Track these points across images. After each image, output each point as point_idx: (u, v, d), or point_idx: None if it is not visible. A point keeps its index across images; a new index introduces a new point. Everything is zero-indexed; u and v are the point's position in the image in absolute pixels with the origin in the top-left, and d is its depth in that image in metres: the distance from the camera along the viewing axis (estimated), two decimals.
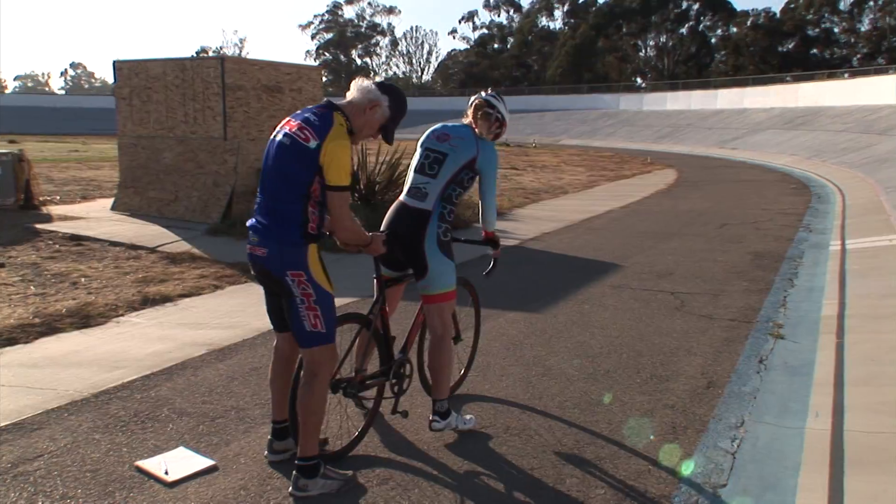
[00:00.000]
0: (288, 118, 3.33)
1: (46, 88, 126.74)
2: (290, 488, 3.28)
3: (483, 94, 4.09)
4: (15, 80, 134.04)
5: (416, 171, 3.92)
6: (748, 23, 72.70)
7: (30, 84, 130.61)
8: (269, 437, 3.64)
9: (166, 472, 3.39)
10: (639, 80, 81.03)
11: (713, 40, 77.74)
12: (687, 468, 3.61)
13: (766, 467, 3.65)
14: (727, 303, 6.99)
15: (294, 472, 3.28)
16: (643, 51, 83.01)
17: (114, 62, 12.25)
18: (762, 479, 3.53)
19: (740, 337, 5.88)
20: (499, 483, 3.47)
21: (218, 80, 10.78)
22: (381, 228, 3.84)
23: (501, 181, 20.68)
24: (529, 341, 5.69)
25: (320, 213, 3.23)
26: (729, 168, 28.31)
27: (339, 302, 6.30)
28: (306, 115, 3.24)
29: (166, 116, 11.46)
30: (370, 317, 3.75)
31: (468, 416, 4.03)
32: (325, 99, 3.36)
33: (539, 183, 20.52)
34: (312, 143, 3.10)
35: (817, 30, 69.75)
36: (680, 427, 4.12)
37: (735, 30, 74.52)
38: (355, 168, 10.56)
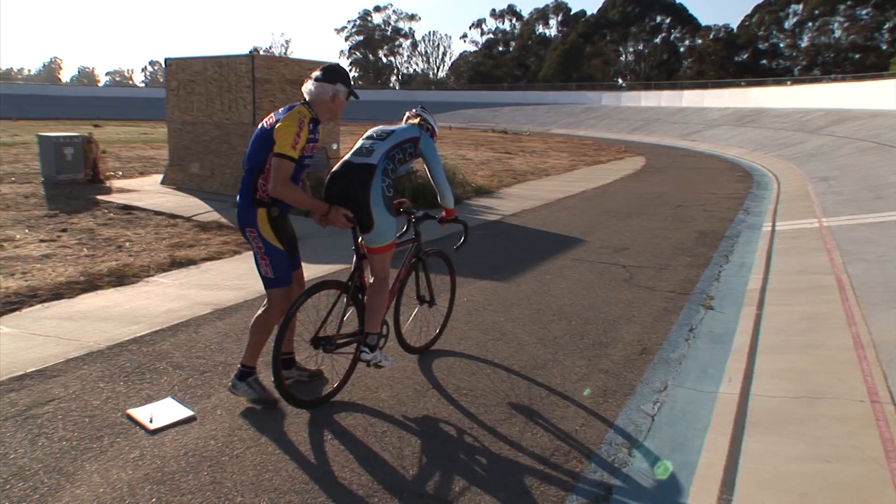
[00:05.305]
0: (271, 114, 3.39)
1: (130, 82, 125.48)
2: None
3: (416, 109, 4.06)
4: (106, 74, 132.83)
5: (364, 139, 3.65)
6: (710, 36, 71.32)
7: (117, 78, 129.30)
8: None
9: (150, 421, 3.18)
10: (619, 80, 79.25)
11: (681, 49, 75.91)
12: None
13: (679, 429, 3.39)
14: (670, 276, 6.67)
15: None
16: (623, 56, 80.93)
17: (165, 59, 11.88)
18: (673, 440, 3.27)
19: (676, 307, 5.58)
20: (438, 437, 3.23)
21: (249, 74, 10.39)
22: (325, 186, 3.50)
23: (495, 163, 20.22)
24: (492, 307, 5.42)
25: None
26: (689, 157, 27.60)
27: (330, 270, 5.96)
28: (280, 111, 3.35)
29: (206, 105, 11.09)
30: (349, 283, 3.55)
31: (389, 358, 3.75)
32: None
33: (527, 166, 20.03)
34: (271, 125, 3.26)
35: (766, 44, 69.10)
36: (611, 391, 3.85)
37: (700, 41, 72.83)
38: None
